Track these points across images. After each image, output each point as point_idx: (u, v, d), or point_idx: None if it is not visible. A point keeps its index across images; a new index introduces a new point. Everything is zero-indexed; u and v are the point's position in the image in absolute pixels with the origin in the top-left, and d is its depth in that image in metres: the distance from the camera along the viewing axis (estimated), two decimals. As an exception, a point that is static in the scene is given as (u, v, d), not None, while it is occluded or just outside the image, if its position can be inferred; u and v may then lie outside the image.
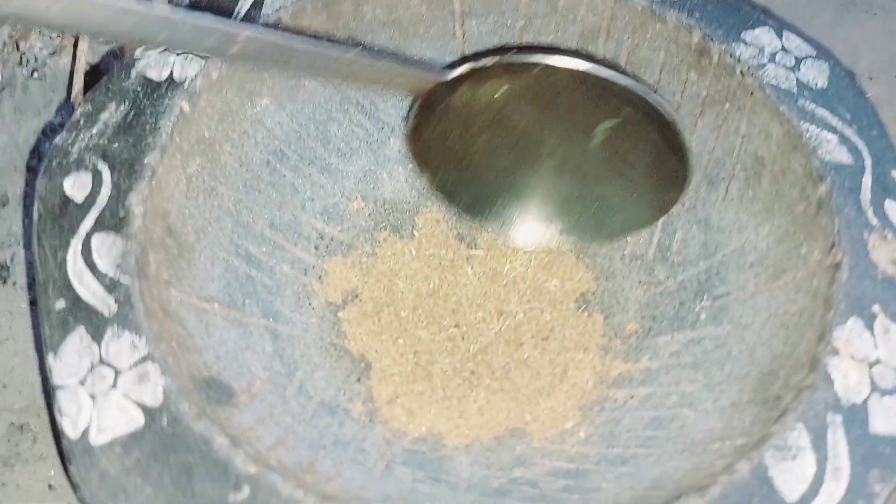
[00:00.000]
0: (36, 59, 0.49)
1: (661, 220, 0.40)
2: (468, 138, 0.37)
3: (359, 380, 0.37)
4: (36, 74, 0.48)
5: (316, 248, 0.40)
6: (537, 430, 0.37)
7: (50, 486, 0.37)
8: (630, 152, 0.36)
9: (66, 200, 0.31)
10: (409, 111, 0.36)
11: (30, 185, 0.45)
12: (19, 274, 0.43)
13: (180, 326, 0.31)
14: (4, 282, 0.42)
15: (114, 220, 0.31)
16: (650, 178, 0.37)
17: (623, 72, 0.37)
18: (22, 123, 0.47)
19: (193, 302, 0.32)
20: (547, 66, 0.35)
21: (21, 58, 0.49)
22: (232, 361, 0.33)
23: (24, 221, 0.44)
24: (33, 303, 0.42)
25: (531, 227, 0.39)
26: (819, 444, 0.28)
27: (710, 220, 0.39)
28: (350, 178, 0.41)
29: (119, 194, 0.31)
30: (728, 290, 0.37)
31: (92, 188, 0.31)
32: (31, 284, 0.42)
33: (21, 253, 0.43)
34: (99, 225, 0.31)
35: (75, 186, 0.31)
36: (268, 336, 0.36)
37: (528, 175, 0.38)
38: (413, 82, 0.35)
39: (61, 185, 0.31)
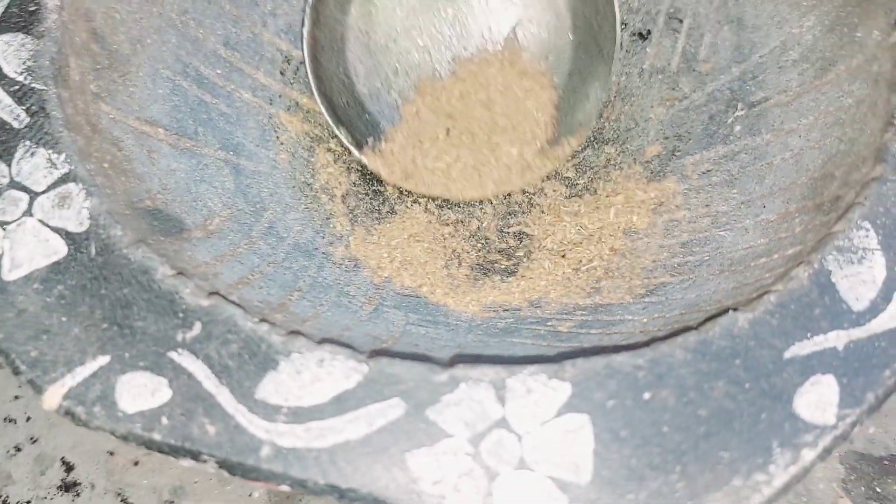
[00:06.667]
0: None
1: (685, 27, 0.34)
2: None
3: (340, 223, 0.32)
4: None
5: (282, 73, 0.34)
6: (542, 272, 0.32)
7: None
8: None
9: (-41, -4, 0.25)
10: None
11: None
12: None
13: (114, 147, 0.26)
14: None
15: (22, 17, 0.25)
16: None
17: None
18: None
19: (131, 123, 0.27)
20: None
21: None
22: (183, 194, 0.28)
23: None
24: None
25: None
26: (890, 243, 0.23)
27: (743, 19, 0.33)
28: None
29: (26, -14, 0.25)
30: (767, 94, 0.31)
31: (-10, -20, 0.25)
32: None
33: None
34: (3, 24, 0.25)
35: (-30, -21, 0.26)
36: (228, 170, 0.30)
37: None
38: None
39: (-48, -21, 0.25)
